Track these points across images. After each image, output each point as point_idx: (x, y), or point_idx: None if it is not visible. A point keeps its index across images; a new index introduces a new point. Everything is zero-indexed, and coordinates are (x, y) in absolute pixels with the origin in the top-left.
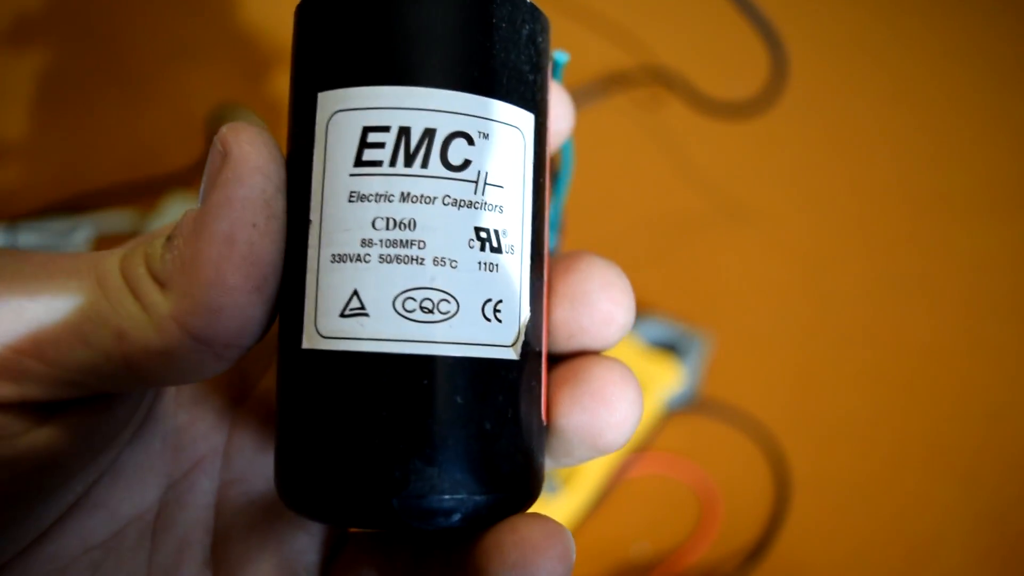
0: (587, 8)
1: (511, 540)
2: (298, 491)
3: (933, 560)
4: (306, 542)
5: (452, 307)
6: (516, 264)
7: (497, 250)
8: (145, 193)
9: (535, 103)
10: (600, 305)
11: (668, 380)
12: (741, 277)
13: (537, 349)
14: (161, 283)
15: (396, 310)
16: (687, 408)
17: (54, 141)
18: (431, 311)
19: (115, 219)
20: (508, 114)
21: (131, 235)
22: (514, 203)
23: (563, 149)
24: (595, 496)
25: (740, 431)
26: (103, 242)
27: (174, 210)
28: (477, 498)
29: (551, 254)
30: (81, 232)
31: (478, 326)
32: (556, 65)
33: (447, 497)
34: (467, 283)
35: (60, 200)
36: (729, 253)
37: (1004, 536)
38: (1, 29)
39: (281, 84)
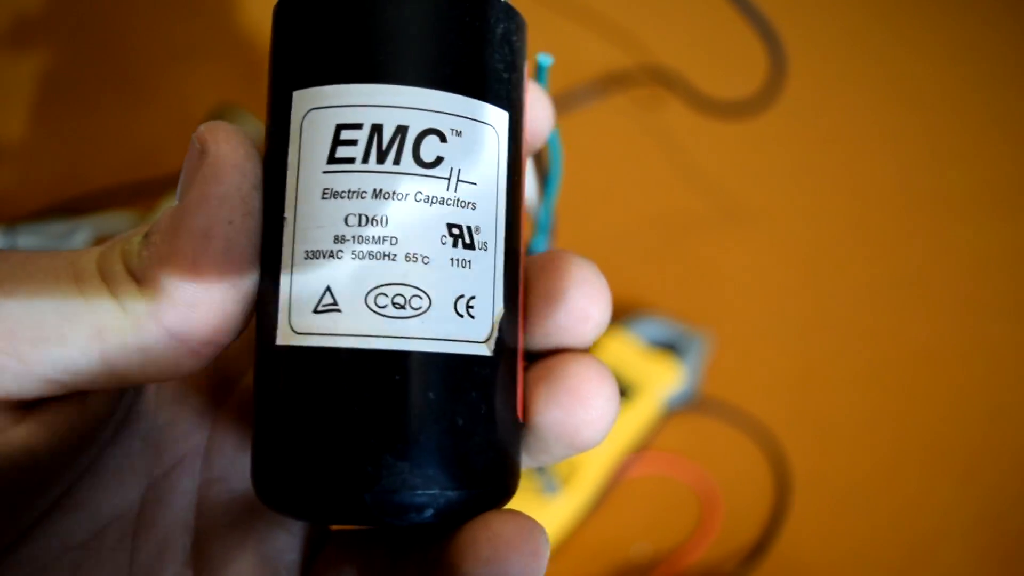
0: (586, 8)
1: (484, 536)
2: (273, 487)
3: (933, 559)
4: (287, 541)
5: (424, 303)
6: (489, 261)
7: (470, 246)
8: (144, 195)
9: (509, 101)
10: (576, 303)
11: (668, 379)
12: (741, 276)
13: (512, 346)
14: (138, 280)
15: (368, 306)
16: (687, 408)
17: (53, 142)
18: (403, 307)
19: (114, 221)
20: (481, 112)
21: None
22: (487, 200)
23: (551, 152)
24: (595, 496)
25: (740, 430)
26: (102, 244)
27: None
28: (450, 493)
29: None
30: (80, 234)
31: (451, 322)
32: (541, 68)
33: (419, 492)
34: (439, 279)
35: (59, 202)
36: (729, 252)
37: (1003, 535)
38: (0, 29)
39: None
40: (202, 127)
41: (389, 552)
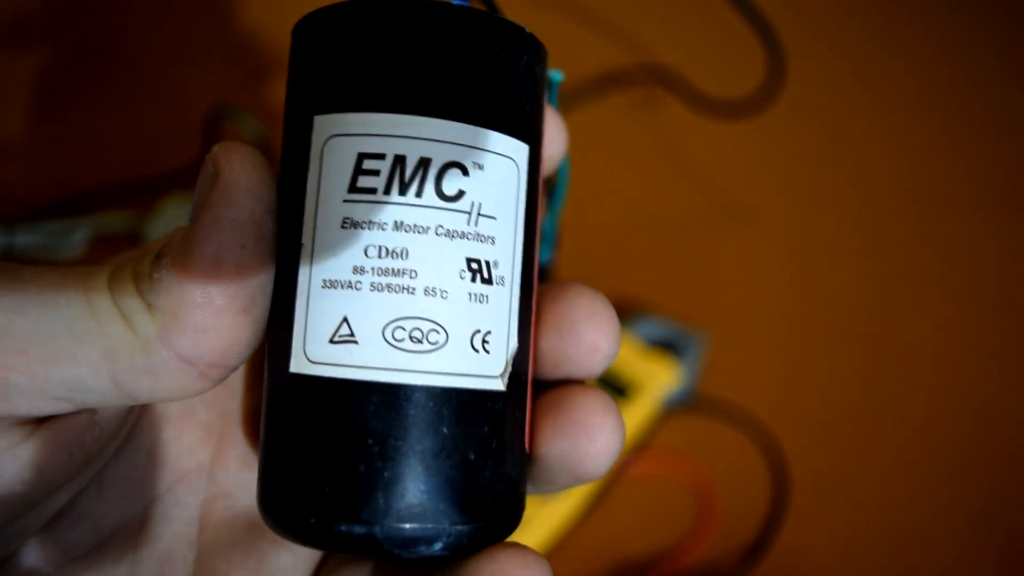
0: (585, 7)
1: (490, 570)
2: (281, 513)
3: (932, 557)
4: (289, 561)
5: (441, 337)
6: (506, 296)
7: (488, 281)
8: (143, 194)
9: (530, 133)
10: (586, 335)
11: (666, 379)
12: (739, 275)
13: (524, 379)
14: (148, 303)
15: (385, 339)
16: (685, 407)
17: (52, 141)
18: (420, 341)
19: (113, 220)
20: (503, 145)
21: (129, 236)
22: (506, 234)
23: (559, 165)
24: (593, 495)
25: (738, 429)
26: (101, 243)
27: (172, 212)
28: (459, 528)
29: (545, 267)
30: (79, 233)
31: (466, 357)
32: (552, 84)
33: (430, 526)
34: (457, 314)
35: (58, 200)
36: (727, 252)
37: (1001, 533)
38: (0, 29)
39: (280, 86)
40: (216, 148)
41: (390, 573)
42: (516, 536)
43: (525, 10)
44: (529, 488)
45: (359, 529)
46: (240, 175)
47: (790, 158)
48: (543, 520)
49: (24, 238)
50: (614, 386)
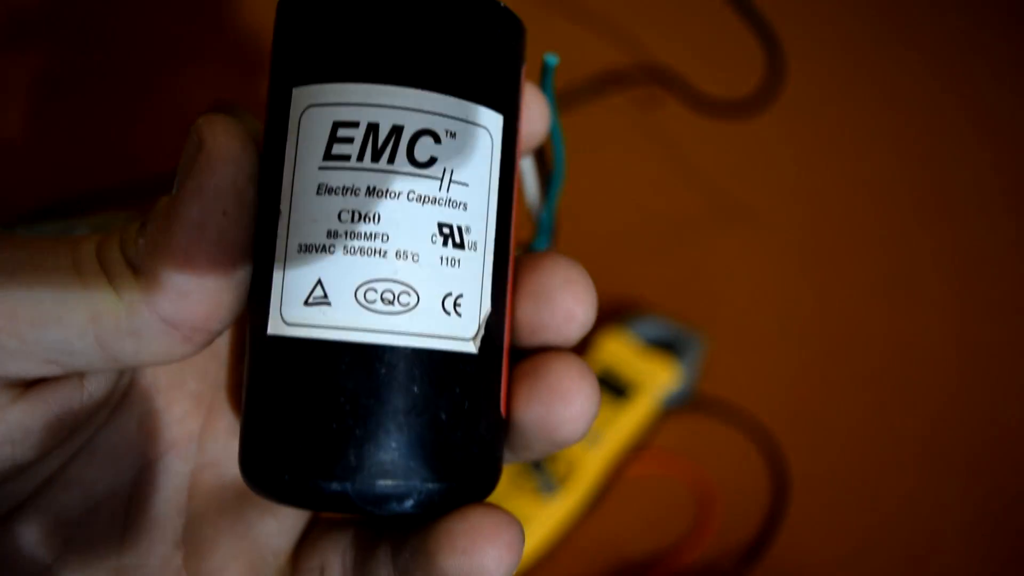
0: (585, 7)
1: (461, 528)
2: (258, 471)
3: (932, 558)
4: (275, 527)
5: (412, 299)
6: (478, 260)
7: (460, 246)
8: (143, 194)
9: (504, 104)
10: (562, 302)
11: (666, 378)
12: (739, 275)
13: (498, 344)
14: (134, 267)
15: (358, 300)
16: (685, 407)
17: (52, 141)
18: (392, 302)
19: (112, 221)
20: (476, 115)
21: None
22: (479, 201)
23: (555, 153)
24: (592, 495)
25: (738, 429)
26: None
27: None
28: (430, 485)
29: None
30: (78, 233)
31: (438, 319)
32: (547, 68)
33: (400, 483)
34: (428, 277)
35: (56, 201)
36: (726, 252)
37: (1002, 534)
38: (0, 29)
39: None
40: (200, 120)
41: (370, 538)
42: None
43: (523, 9)
44: (508, 455)
45: (332, 485)
46: (223, 145)
47: (790, 158)
48: (543, 520)
49: None
50: (614, 386)
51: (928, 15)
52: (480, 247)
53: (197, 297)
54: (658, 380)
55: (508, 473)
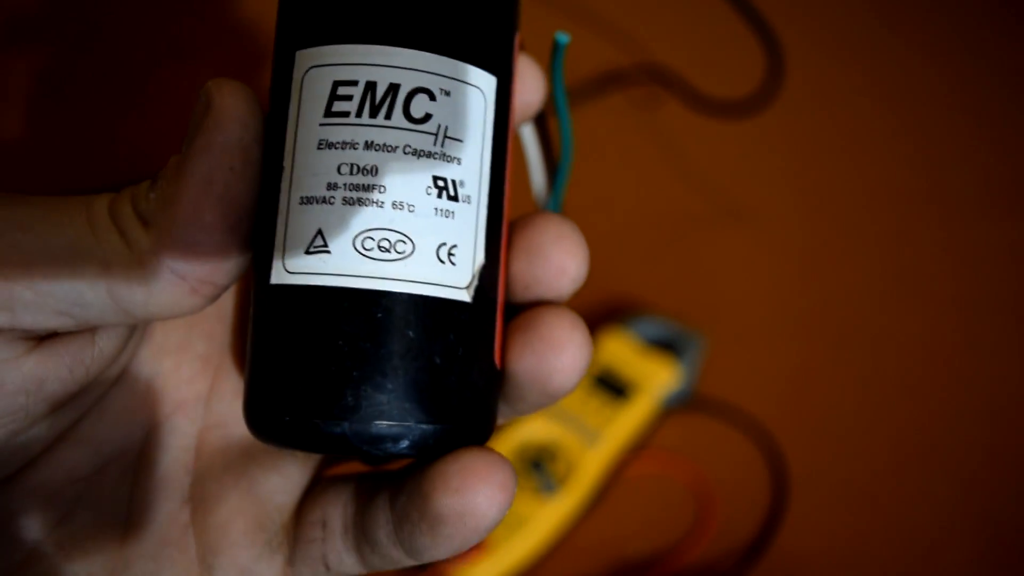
0: (584, 7)
1: (454, 468)
2: (260, 416)
3: (932, 558)
4: (279, 483)
5: (408, 248)
6: (472, 213)
7: (454, 198)
8: None
9: (498, 66)
10: (554, 257)
11: (666, 378)
12: (738, 275)
13: (492, 296)
14: (145, 221)
15: (356, 248)
16: (685, 406)
17: (52, 141)
18: (388, 250)
19: None
20: (470, 74)
21: None
22: (472, 157)
23: (563, 145)
24: (592, 495)
25: (738, 429)
26: None
27: None
28: (424, 427)
29: None
30: None
31: (432, 267)
32: (557, 47)
33: (395, 423)
34: (423, 227)
35: None
36: (727, 251)
37: (1002, 534)
38: (0, 29)
39: None
40: (210, 82)
41: (370, 489)
42: (517, 532)
43: (525, 10)
44: (504, 408)
45: (330, 425)
46: (231, 105)
47: (790, 158)
48: (543, 520)
49: None
50: (614, 386)
51: (927, 14)
52: (474, 201)
53: (205, 249)
54: (658, 380)
55: None
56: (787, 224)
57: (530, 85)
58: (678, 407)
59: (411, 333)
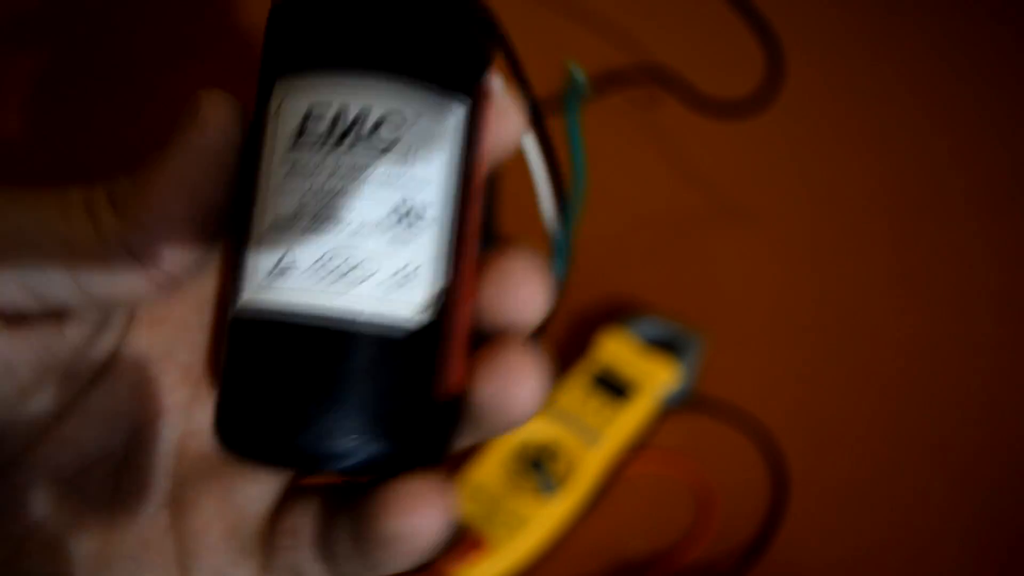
0: (584, 7)
1: (397, 492)
2: (223, 431)
3: (931, 558)
4: (254, 491)
5: (367, 272)
6: (434, 239)
7: (416, 224)
8: None
9: (467, 95)
10: (520, 287)
11: (666, 378)
12: (739, 275)
13: (451, 321)
14: (115, 206)
15: (316, 271)
16: (685, 406)
17: (51, 140)
18: (347, 273)
19: None
20: (437, 102)
21: None
22: (437, 184)
23: (575, 176)
24: (592, 495)
25: (738, 429)
26: None
27: None
28: (372, 446)
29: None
30: None
31: (391, 291)
32: (575, 85)
33: (344, 442)
34: (384, 251)
35: None
36: (726, 251)
37: (1002, 534)
38: (0, 29)
39: None
40: (201, 92)
41: (334, 504)
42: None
43: (522, 9)
44: (466, 434)
45: (283, 444)
46: (215, 114)
47: (790, 157)
48: (543, 520)
49: None
50: (614, 386)
51: (926, 14)
52: (436, 227)
53: (167, 238)
54: (658, 380)
55: (508, 473)
56: (788, 223)
57: (508, 124)
58: (678, 407)
59: (366, 355)
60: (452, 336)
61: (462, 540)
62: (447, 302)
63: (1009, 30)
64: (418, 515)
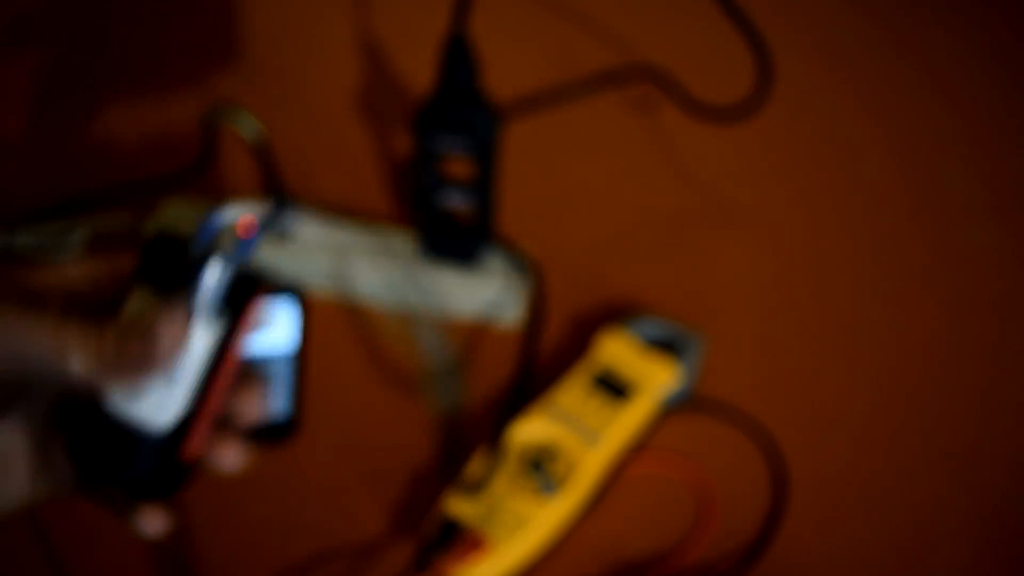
0: (580, 9)
1: (146, 507)
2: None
3: (931, 558)
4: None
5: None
6: (183, 390)
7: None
8: (143, 194)
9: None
10: (243, 409)
11: (666, 378)
12: (738, 275)
13: (196, 421)
14: (94, 338)
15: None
16: (684, 406)
17: (52, 141)
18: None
19: (112, 220)
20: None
21: (127, 236)
22: (191, 372)
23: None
24: (592, 495)
25: (738, 429)
26: (99, 243)
27: (172, 212)
28: (140, 480)
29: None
30: (78, 233)
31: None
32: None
33: (129, 475)
34: (161, 390)
35: (57, 201)
36: (725, 251)
37: (1002, 534)
38: (0, 29)
39: (278, 84)
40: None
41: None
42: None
43: (521, 9)
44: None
45: (107, 474)
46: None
47: (788, 158)
48: (543, 520)
49: (24, 238)
50: (614, 386)
51: (918, 18)
52: (187, 384)
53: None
54: (658, 380)
55: (509, 473)
56: (785, 224)
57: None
58: (678, 407)
59: (145, 438)
60: (194, 428)
61: (462, 540)
62: (192, 413)
63: (1002, 33)
64: (149, 523)
